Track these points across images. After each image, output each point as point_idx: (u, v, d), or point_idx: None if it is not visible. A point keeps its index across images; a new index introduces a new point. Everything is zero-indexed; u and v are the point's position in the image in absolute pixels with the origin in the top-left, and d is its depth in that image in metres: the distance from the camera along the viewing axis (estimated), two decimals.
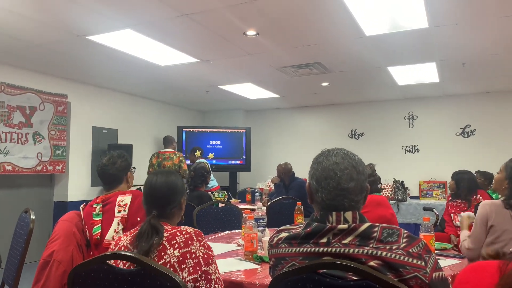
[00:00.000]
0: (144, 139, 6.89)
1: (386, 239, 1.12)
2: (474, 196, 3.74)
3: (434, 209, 4.38)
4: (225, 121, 8.20)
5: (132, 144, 6.12)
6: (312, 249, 1.18)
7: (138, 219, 2.04)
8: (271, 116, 8.21)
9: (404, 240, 1.12)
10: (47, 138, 5.19)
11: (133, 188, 2.30)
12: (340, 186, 1.20)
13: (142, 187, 1.68)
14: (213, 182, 5.88)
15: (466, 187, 3.77)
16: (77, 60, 4.65)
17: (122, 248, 1.50)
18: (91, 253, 2.04)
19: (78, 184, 5.64)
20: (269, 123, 8.23)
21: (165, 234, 1.45)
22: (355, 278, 1.07)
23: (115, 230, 2.01)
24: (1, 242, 4.42)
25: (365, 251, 1.11)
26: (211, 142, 7.40)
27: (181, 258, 1.39)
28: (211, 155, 7.25)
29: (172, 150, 5.92)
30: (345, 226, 1.17)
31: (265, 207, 4.14)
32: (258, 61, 4.69)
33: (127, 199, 2.10)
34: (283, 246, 1.25)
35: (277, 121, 8.15)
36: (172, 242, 1.42)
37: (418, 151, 7.01)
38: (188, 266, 1.38)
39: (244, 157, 7.46)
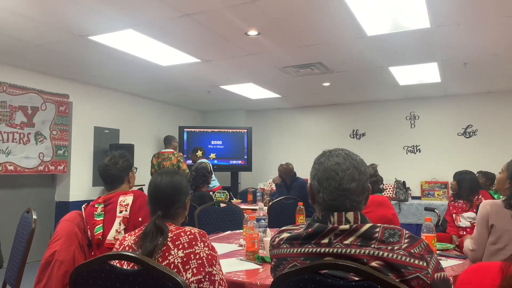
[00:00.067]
0: (146, 139, 6.90)
1: (388, 239, 1.12)
2: (476, 197, 3.73)
3: (435, 210, 4.37)
4: (227, 121, 8.20)
5: (134, 144, 6.12)
6: (314, 250, 1.18)
7: (140, 219, 2.04)
8: (273, 116, 8.20)
9: (406, 240, 1.12)
10: (49, 138, 5.20)
11: (134, 188, 2.30)
12: (342, 187, 1.20)
13: (143, 187, 1.68)
14: (214, 182, 5.89)
15: (468, 187, 3.76)
16: (79, 60, 4.66)
17: (127, 248, 1.50)
18: (92, 253, 2.04)
19: (80, 184, 5.64)
20: (270, 123, 8.22)
21: (170, 235, 1.45)
22: (356, 278, 1.06)
23: (116, 230, 2.01)
24: (3, 242, 4.41)
25: (367, 251, 1.11)
26: (212, 142, 7.40)
27: (185, 259, 1.39)
28: (212, 155, 7.25)
29: (171, 150, 5.89)
30: (347, 226, 1.17)
31: (266, 207, 4.12)
32: (259, 61, 4.69)
33: (128, 199, 2.10)
34: (285, 246, 1.25)
35: (279, 121, 8.14)
36: (176, 243, 1.43)
37: (419, 151, 6.99)
38: (192, 267, 1.38)
39: (246, 157, 7.45)
